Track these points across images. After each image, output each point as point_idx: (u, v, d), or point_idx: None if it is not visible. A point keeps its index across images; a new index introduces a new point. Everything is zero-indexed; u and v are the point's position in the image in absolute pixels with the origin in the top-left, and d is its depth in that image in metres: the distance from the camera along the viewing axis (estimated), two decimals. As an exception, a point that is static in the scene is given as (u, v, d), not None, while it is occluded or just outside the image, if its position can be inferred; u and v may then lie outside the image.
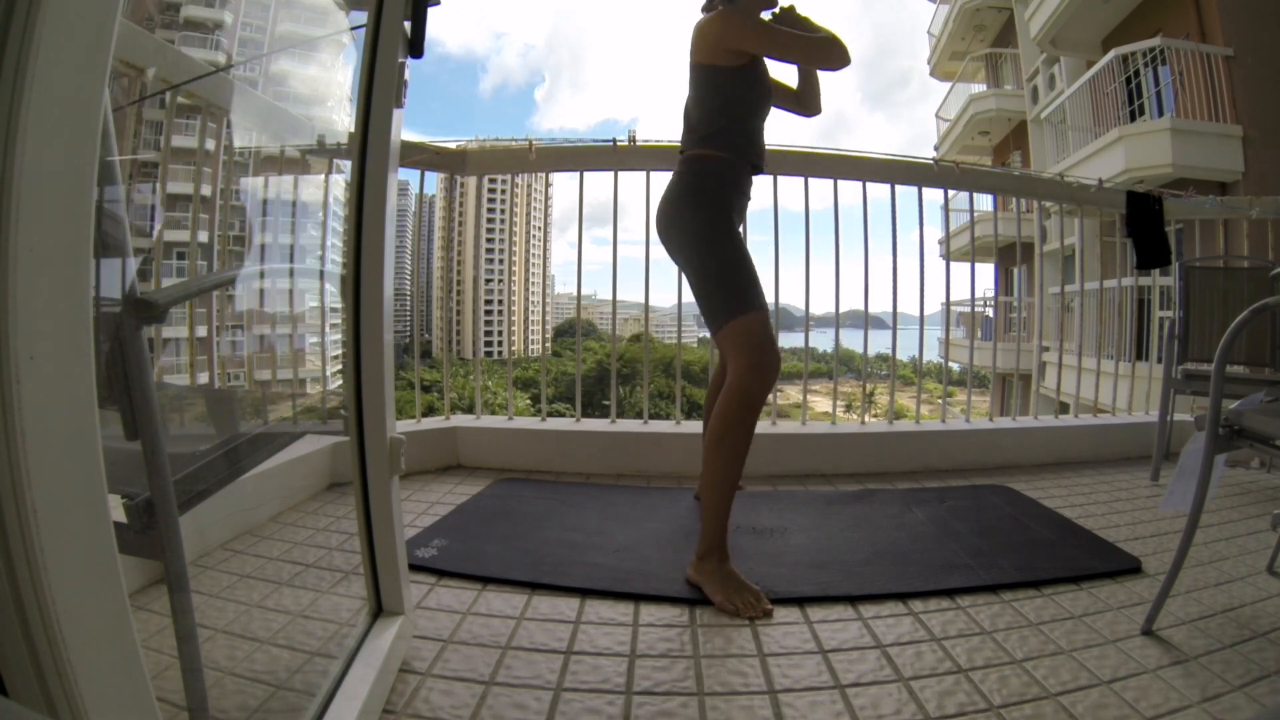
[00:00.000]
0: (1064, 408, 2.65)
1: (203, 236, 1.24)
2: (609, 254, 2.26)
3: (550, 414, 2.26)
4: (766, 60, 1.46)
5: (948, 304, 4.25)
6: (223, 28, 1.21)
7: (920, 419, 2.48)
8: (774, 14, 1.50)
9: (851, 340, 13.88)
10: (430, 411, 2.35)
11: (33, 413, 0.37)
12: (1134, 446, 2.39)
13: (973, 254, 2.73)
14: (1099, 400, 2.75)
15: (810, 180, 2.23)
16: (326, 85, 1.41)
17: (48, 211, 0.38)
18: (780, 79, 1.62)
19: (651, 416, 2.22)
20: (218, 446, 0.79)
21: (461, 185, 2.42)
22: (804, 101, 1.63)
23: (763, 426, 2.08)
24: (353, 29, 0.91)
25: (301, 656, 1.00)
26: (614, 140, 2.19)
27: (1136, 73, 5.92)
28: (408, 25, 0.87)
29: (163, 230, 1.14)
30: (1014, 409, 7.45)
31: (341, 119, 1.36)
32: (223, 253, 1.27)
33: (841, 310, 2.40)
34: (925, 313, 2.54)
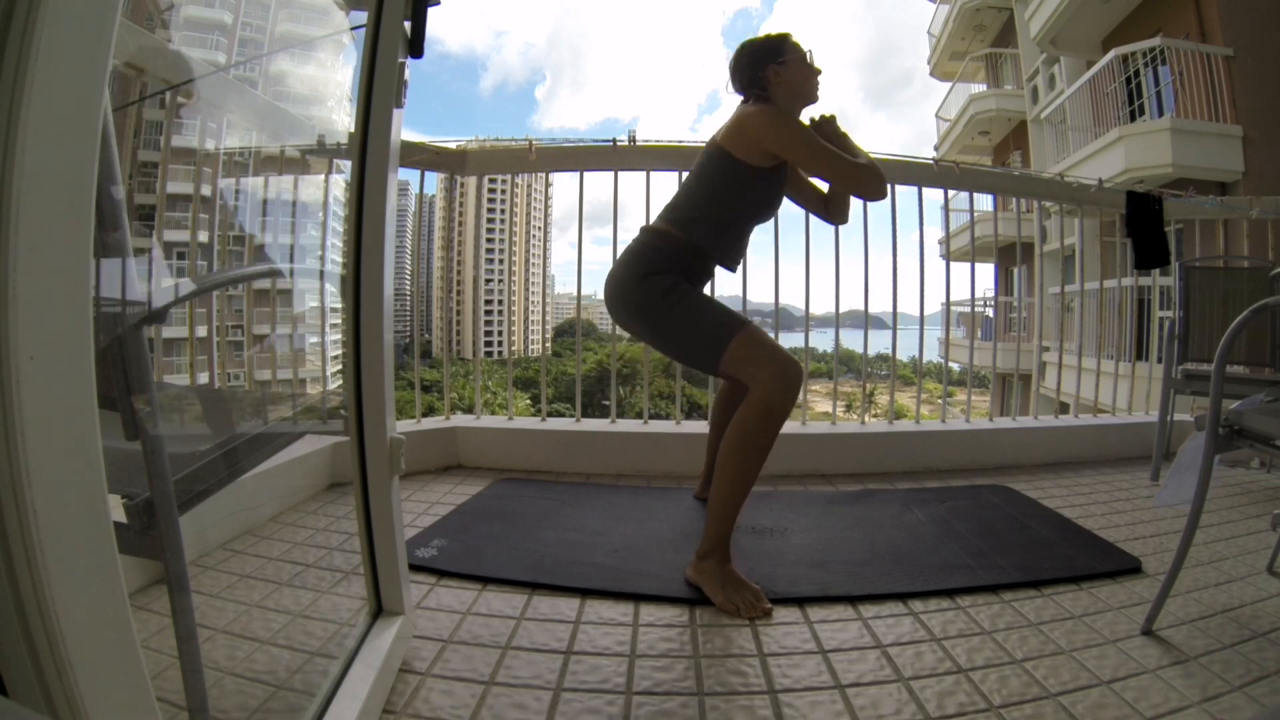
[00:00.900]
0: (1064, 408, 2.65)
1: (203, 236, 1.24)
2: (609, 254, 2.25)
3: (550, 414, 2.26)
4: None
5: (948, 304, 4.25)
6: (223, 28, 1.21)
7: (920, 419, 2.48)
8: (813, 120, 1.48)
9: (851, 340, 13.88)
10: (430, 411, 2.35)
11: (33, 413, 0.37)
12: (1134, 446, 2.39)
13: (973, 254, 2.73)
14: (1099, 400, 2.75)
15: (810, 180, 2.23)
16: (326, 85, 1.41)
17: (48, 211, 0.38)
18: (811, 180, 1.61)
19: (651, 417, 2.22)
20: (218, 447, 0.79)
21: (461, 185, 2.42)
22: (832, 211, 1.62)
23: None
24: (353, 29, 0.91)
25: (301, 656, 1.00)
26: (614, 140, 2.19)
27: (1136, 73, 5.92)
28: (408, 25, 0.87)
29: (162, 229, 1.14)
30: (1014, 409, 7.46)
31: (341, 119, 1.36)
32: (222, 253, 1.27)
33: (841, 310, 2.40)
34: (925, 313, 2.54)
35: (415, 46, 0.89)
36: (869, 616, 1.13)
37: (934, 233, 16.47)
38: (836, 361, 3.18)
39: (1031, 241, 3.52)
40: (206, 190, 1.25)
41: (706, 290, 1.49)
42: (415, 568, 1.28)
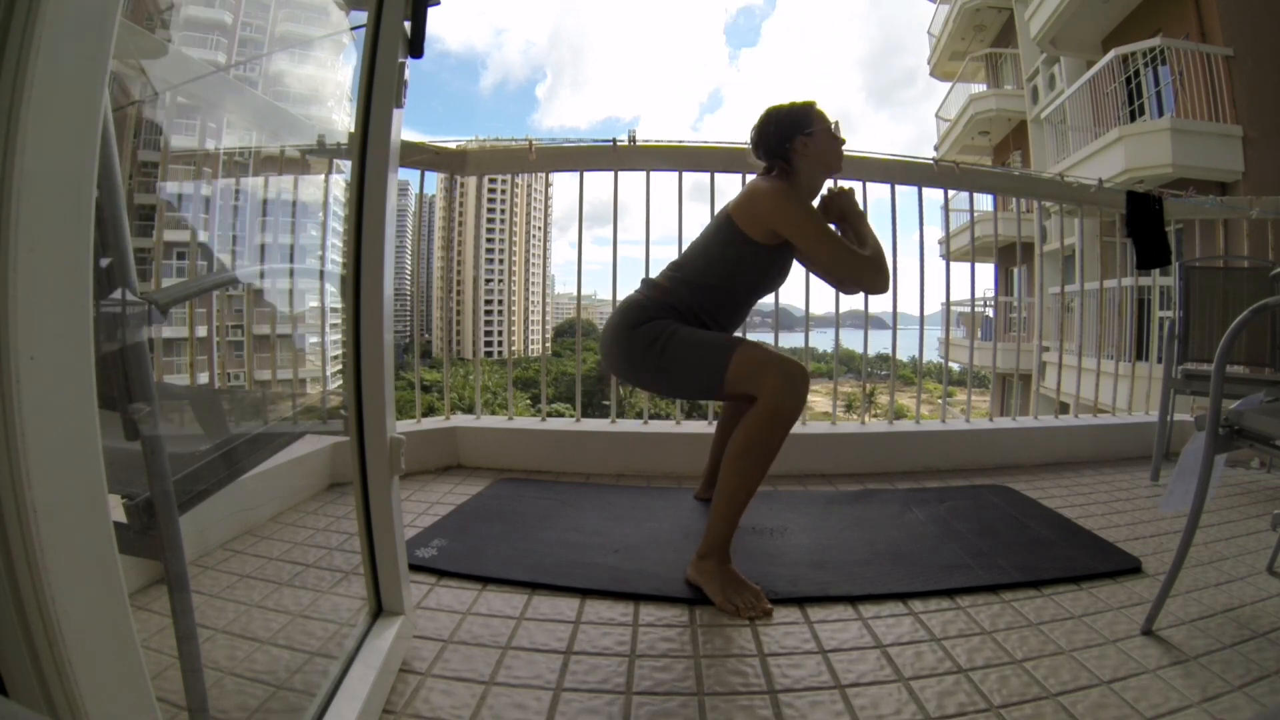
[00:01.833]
0: (1064, 408, 2.65)
1: (202, 236, 1.24)
2: (609, 254, 2.26)
3: (550, 414, 2.26)
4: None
5: (948, 304, 4.24)
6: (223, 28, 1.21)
7: (920, 419, 2.48)
8: (831, 192, 1.49)
9: (851, 340, 13.89)
10: (430, 411, 2.35)
11: (33, 413, 0.37)
12: (1134, 446, 2.39)
13: (973, 254, 2.73)
14: (1099, 400, 2.75)
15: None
16: (326, 85, 1.41)
17: (48, 211, 0.38)
18: None
19: (651, 417, 2.22)
20: (218, 446, 0.79)
21: (461, 185, 2.42)
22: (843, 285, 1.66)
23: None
24: (353, 29, 0.91)
25: (301, 656, 1.00)
26: (614, 140, 2.19)
27: (1136, 73, 5.92)
28: (408, 25, 0.87)
29: (162, 229, 1.14)
30: (1014, 409, 7.45)
31: (341, 119, 1.36)
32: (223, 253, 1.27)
33: (841, 310, 2.40)
34: (925, 313, 2.54)
35: (415, 46, 0.89)
36: (869, 616, 1.13)
37: (934, 233, 16.48)
38: (836, 361, 3.17)
39: (1031, 241, 3.52)
40: (206, 190, 1.25)
41: None
42: (415, 568, 1.28)
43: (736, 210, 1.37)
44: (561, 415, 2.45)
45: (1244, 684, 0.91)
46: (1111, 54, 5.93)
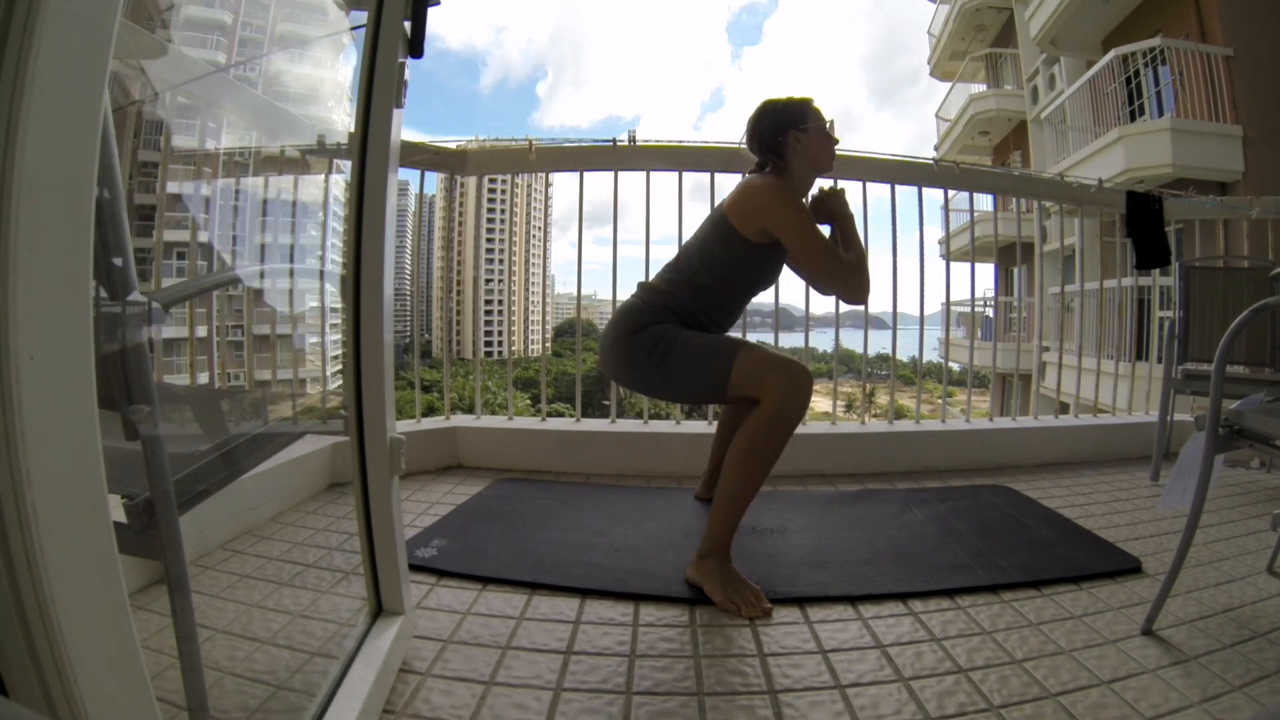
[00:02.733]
0: (1064, 408, 2.65)
1: (203, 236, 1.24)
2: (609, 254, 2.26)
3: (550, 414, 2.26)
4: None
5: (948, 304, 4.25)
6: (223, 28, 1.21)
7: (920, 419, 2.48)
8: (822, 190, 1.48)
9: (851, 340, 13.88)
10: (430, 411, 2.35)
11: (33, 413, 0.37)
12: (1134, 446, 2.39)
13: (973, 254, 2.73)
14: (1099, 400, 2.75)
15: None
16: (326, 85, 1.41)
17: (48, 211, 0.38)
18: None
19: (651, 417, 2.22)
20: (217, 447, 0.79)
21: (461, 185, 2.42)
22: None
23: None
24: (353, 29, 0.91)
25: (301, 656, 1.00)
26: (614, 140, 2.19)
27: (1136, 73, 5.92)
28: (408, 25, 0.87)
29: (162, 229, 1.14)
30: (1014, 409, 7.46)
31: (341, 119, 1.36)
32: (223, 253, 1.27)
33: (842, 310, 2.40)
34: (925, 313, 2.54)
35: (415, 46, 0.89)
36: (869, 616, 1.13)
37: (934, 233, 16.46)
38: (836, 361, 3.17)
39: (1031, 241, 3.52)
40: (207, 190, 1.25)
41: None
42: (415, 568, 1.28)
43: (731, 207, 1.36)
44: (561, 415, 2.45)
45: (1244, 684, 0.91)
46: (1111, 54, 5.93)
